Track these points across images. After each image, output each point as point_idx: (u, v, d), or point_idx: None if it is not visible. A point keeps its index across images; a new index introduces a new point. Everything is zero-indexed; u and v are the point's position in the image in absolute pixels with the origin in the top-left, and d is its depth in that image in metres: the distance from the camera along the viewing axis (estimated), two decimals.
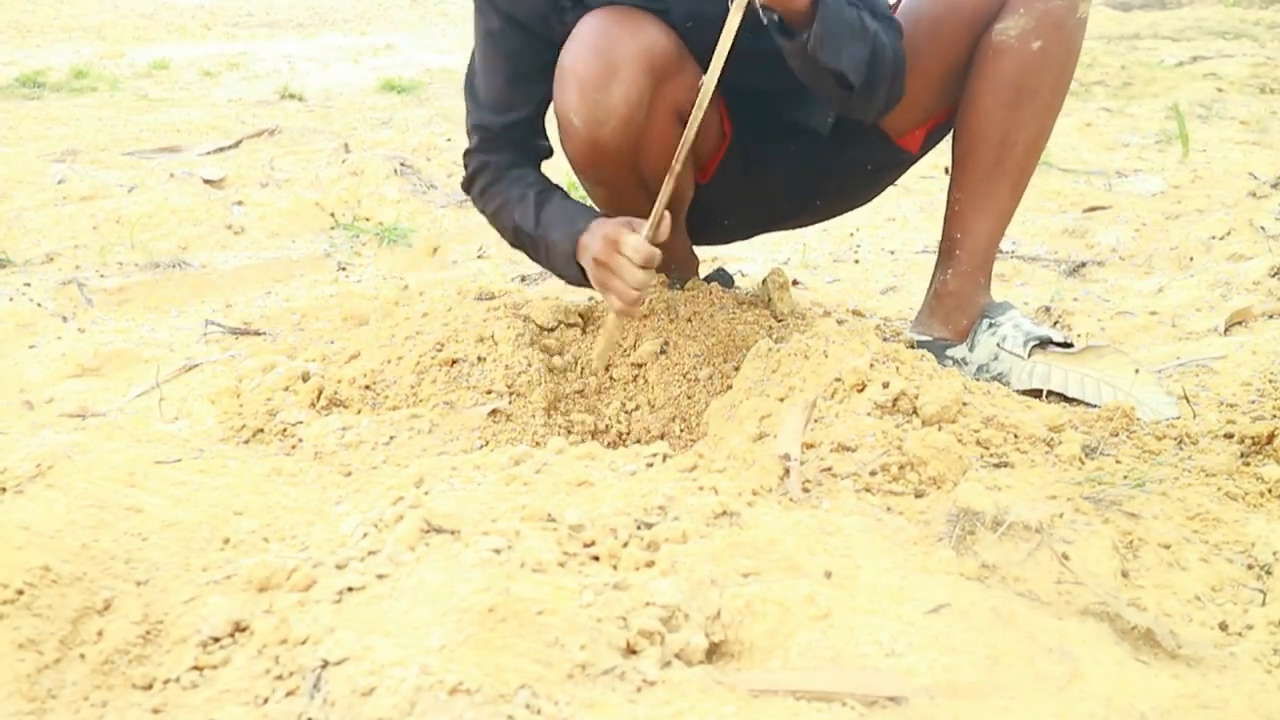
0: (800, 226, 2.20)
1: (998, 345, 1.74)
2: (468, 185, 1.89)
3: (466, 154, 1.87)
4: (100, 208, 3.15)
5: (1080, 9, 1.64)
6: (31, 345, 2.20)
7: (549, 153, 1.87)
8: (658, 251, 1.53)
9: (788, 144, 1.89)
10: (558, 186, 1.81)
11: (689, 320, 1.80)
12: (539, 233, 1.72)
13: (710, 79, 1.43)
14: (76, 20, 13.65)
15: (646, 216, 1.52)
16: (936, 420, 1.39)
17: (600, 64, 1.56)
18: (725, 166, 1.88)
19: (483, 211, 1.89)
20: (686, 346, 1.75)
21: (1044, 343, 1.71)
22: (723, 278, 2.12)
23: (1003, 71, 1.67)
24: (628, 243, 1.52)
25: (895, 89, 1.62)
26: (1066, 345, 1.71)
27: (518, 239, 1.81)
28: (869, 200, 2.08)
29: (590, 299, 2.04)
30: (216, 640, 1.03)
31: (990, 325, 1.77)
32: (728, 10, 1.39)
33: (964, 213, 1.80)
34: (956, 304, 1.84)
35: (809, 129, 1.83)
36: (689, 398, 1.70)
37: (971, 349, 1.79)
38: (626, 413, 1.71)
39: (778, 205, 2.01)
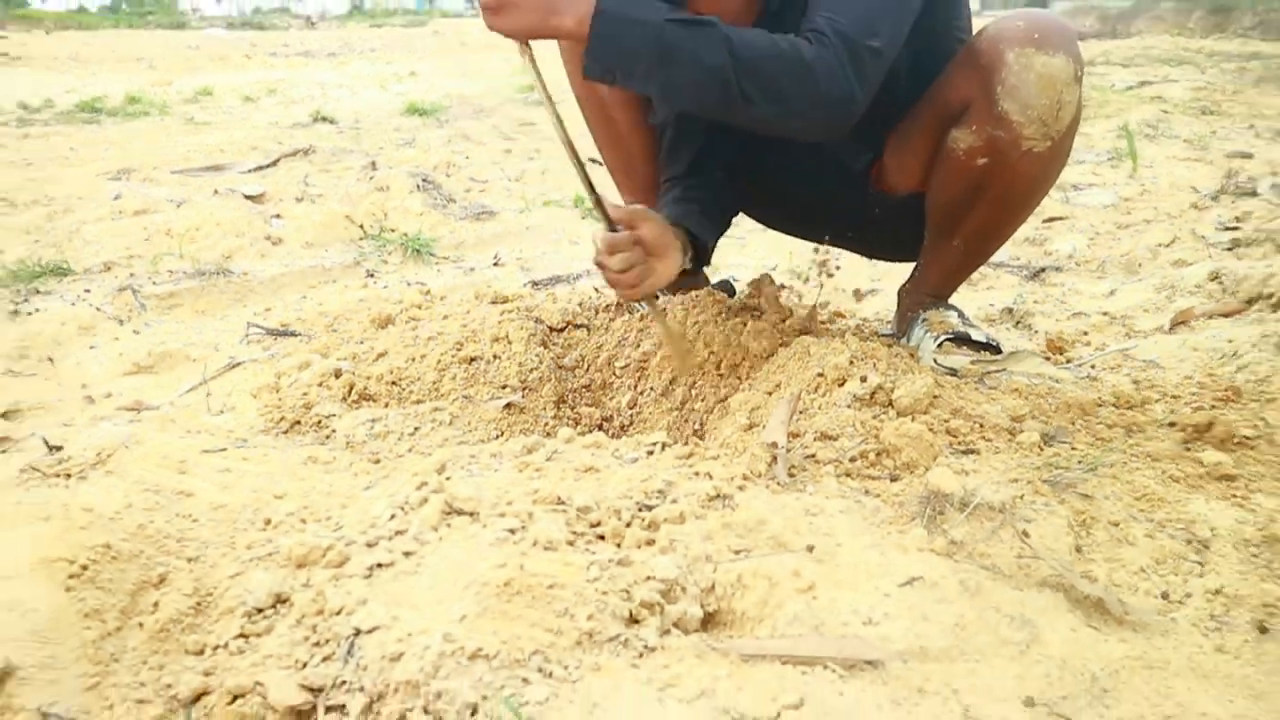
0: (835, 246, 2.04)
1: (922, 335, 1.75)
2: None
3: None
4: (152, 221, 3.16)
5: (1023, 146, 1.49)
6: (91, 346, 2.20)
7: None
8: (620, 235, 1.52)
9: (808, 161, 1.81)
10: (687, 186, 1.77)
11: (693, 324, 1.80)
12: None
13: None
14: (130, 52, 13.64)
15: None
16: (910, 411, 1.39)
17: None
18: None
19: None
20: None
21: (960, 339, 1.69)
22: (725, 288, 2.12)
23: (950, 174, 1.59)
24: (596, 240, 1.54)
25: (800, 90, 1.34)
26: (986, 345, 1.70)
27: None
28: (909, 250, 1.88)
29: (597, 295, 2.04)
30: (260, 611, 1.03)
31: (923, 320, 1.77)
32: None
33: (923, 257, 1.80)
34: (908, 309, 1.86)
35: (838, 161, 1.78)
36: (688, 392, 1.71)
37: (908, 339, 1.79)
38: (629, 407, 1.72)
39: (793, 206, 1.95)
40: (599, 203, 1.53)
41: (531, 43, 1.42)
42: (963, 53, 1.55)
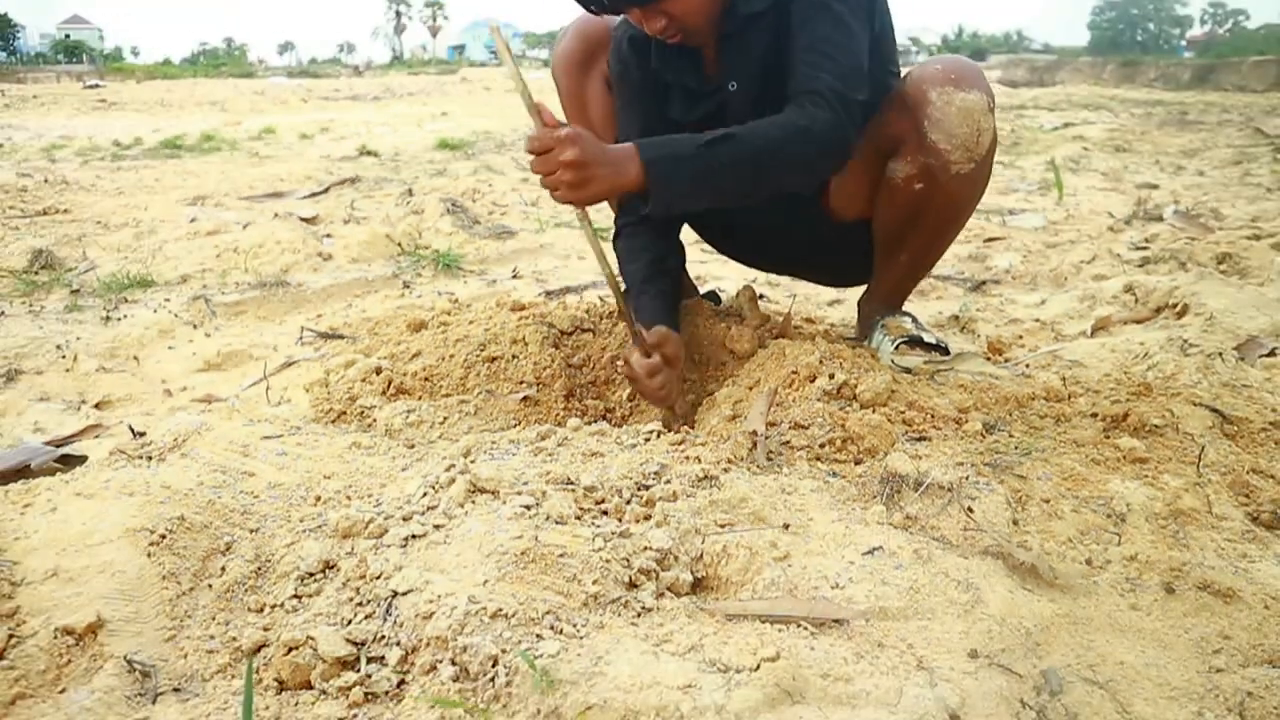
0: (784, 274, 2.05)
1: (881, 339, 1.73)
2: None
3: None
4: (222, 240, 3.15)
5: (953, 169, 1.48)
6: (170, 347, 2.19)
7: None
8: (654, 362, 1.46)
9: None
10: (662, 270, 1.67)
11: (685, 329, 1.78)
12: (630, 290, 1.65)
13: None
14: (205, 97, 13.63)
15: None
16: (871, 404, 1.38)
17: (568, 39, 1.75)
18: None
19: None
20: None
21: (914, 342, 1.68)
22: (713, 298, 2.10)
23: (892, 199, 1.58)
24: (634, 365, 1.47)
25: (784, 164, 1.39)
26: (936, 347, 1.69)
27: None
28: (854, 276, 1.88)
29: (601, 303, 2.03)
30: (311, 575, 1.03)
31: (882, 325, 1.75)
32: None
33: (875, 269, 1.77)
34: (867, 316, 1.83)
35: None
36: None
37: (869, 342, 1.77)
38: (629, 399, 1.70)
39: (748, 239, 1.92)
40: (631, 325, 1.49)
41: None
42: (893, 97, 1.54)
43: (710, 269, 2.89)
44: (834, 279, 2.02)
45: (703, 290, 2.16)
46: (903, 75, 1.56)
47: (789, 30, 1.44)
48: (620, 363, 1.59)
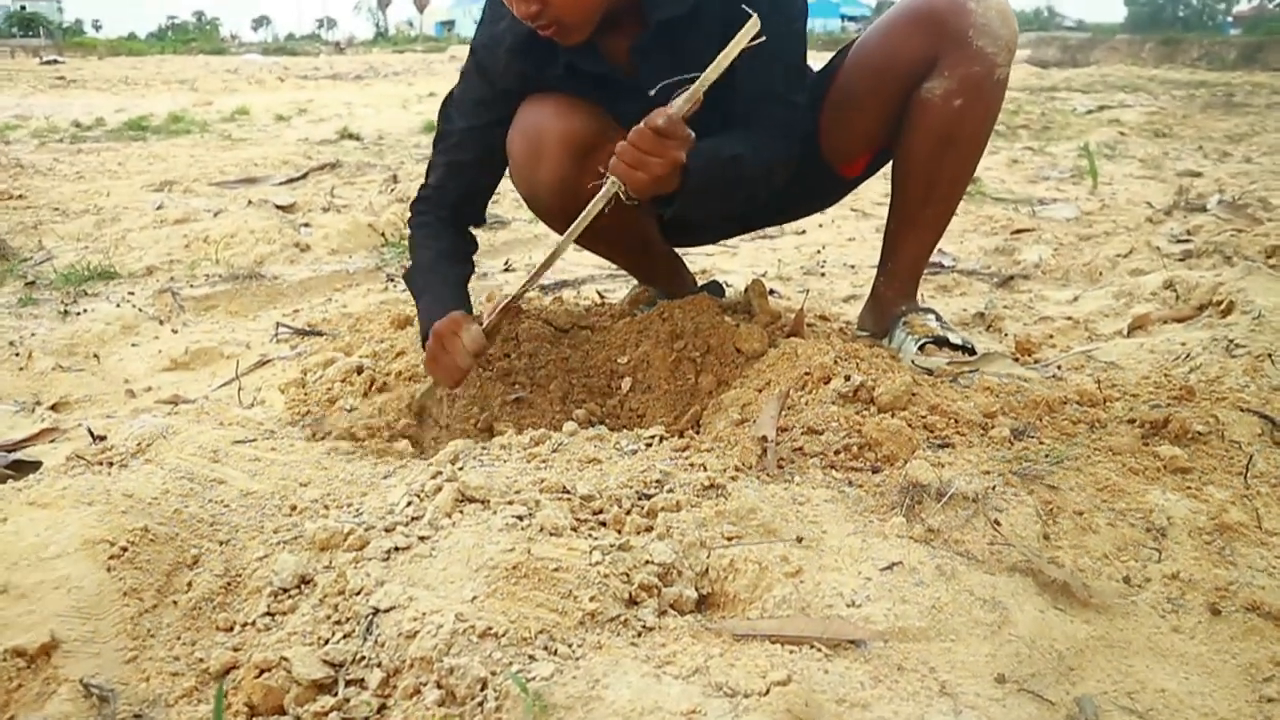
0: (762, 228, 2.15)
1: (904, 338, 1.74)
2: (410, 215, 1.80)
3: (417, 199, 1.78)
4: (191, 229, 3.15)
5: (996, 74, 1.60)
6: (134, 344, 2.19)
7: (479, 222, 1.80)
8: (487, 343, 1.54)
9: None
10: (449, 259, 1.72)
11: (686, 324, 1.78)
12: (415, 289, 1.69)
13: (565, 244, 1.50)
14: (174, 75, 13.65)
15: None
16: (890, 408, 1.38)
17: (529, 148, 1.56)
18: None
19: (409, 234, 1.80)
20: (682, 346, 1.73)
21: (940, 342, 1.69)
22: (714, 289, 2.10)
23: (929, 123, 1.64)
24: (468, 331, 1.50)
25: (774, 181, 1.59)
26: (962, 347, 1.69)
27: (408, 273, 1.74)
28: (822, 209, 2.06)
29: (600, 300, 2.03)
30: (285, 591, 1.03)
31: (904, 323, 1.76)
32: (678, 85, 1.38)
33: (897, 235, 1.80)
34: (886, 306, 1.84)
35: None
36: (684, 389, 1.69)
37: (890, 341, 1.78)
38: (629, 405, 1.70)
39: (736, 217, 1.97)
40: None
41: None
42: (909, 19, 1.62)
43: (717, 262, 2.89)
44: (799, 216, 2.12)
45: (703, 283, 2.16)
46: (911, 3, 1.65)
47: (720, 34, 1.43)
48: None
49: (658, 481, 1.17)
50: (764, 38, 1.33)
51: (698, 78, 1.35)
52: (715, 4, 1.49)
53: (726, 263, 2.86)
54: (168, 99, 9.45)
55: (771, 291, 2.02)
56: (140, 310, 2.38)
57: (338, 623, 0.95)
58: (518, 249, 3.17)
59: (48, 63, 18.04)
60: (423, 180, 1.75)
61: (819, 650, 0.90)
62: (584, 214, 1.43)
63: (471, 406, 1.64)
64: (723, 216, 1.62)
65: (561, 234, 1.54)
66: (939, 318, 1.77)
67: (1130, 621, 1.00)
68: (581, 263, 2.88)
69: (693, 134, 1.38)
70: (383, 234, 3.22)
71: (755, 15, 1.31)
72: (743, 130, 1.54)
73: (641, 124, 1.36)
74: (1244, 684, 0.92)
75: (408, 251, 1.79)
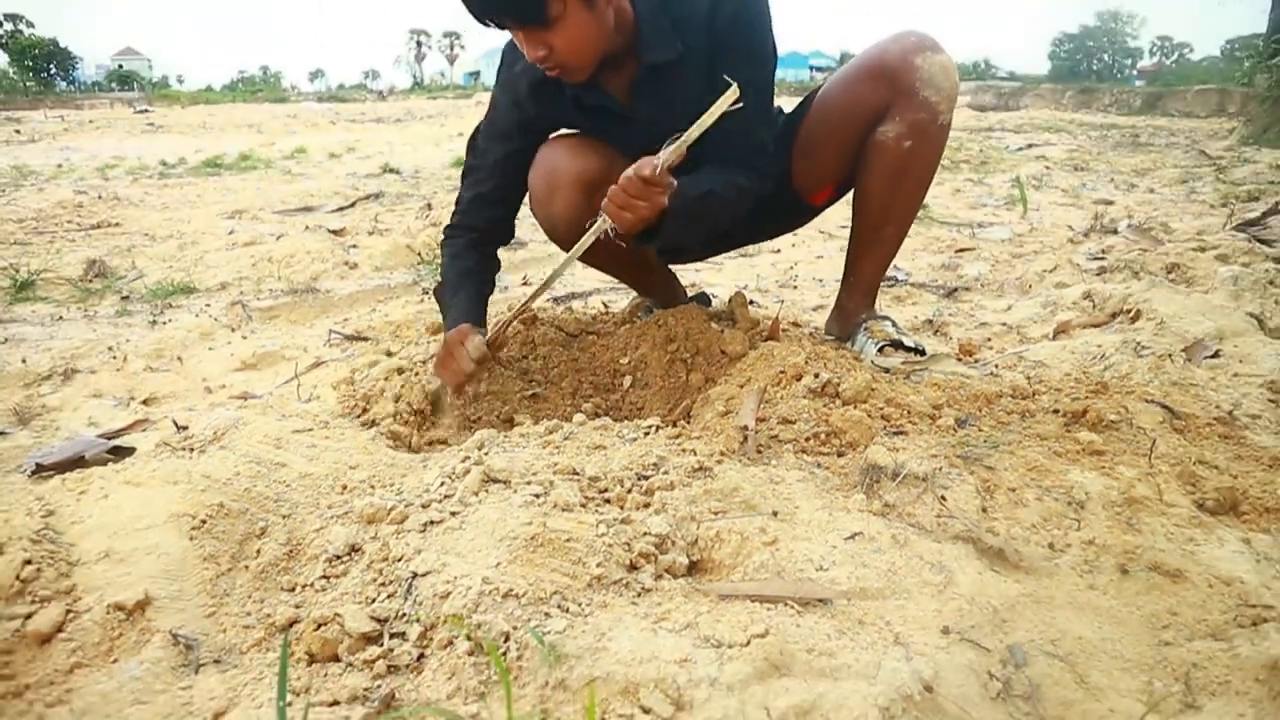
0: (743, 245, 2.10)
1: (865, 342, 1.73)
2: (442, 238, 1.78)
3: (449, 225, 1.75)
4: (257, 250, 3.14)
5: (940, 119, 1.59)
6: (210, 348, 2.19)
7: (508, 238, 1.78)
8: (490, 353, 1.54)
9: None
10: (470, 278, 1.69)
11: (678, 329, 1.78)
12: (441, 303, 1.70)
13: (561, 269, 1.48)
14: (243, 120, 13.62)
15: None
16: (853, 401, 1.38)
17: (547, 186, 1.56)
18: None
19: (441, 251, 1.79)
20: (675, 348, 1.73)
21: (895, 345, 1.69)
22: (703, 299, 2.10)
23: (883, 161, 1.63)
24: (472, 341, 1.51)
25: (739, 209, 1.56)
26: (914, 349, 1.69)
27: (436, 288, 1.75)
28: (793, 231, 2.04)
29: (605, 309, 2.03)
30: (338, 558, 1.02)
31: (865, 329, 1.76)
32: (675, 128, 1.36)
33: (857, 254, 1.79)
34: (849, 314, 1.83)
35: None
36: (677, 385, 1.69)
37: (853, 344, 1.78)
38: (630, 399, 1.70)
39: (716, 239, 1.95)
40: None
41: None
42: (866, 73, 1.60)
43: (703, 277, 2.89)
44: (774, 236, 2.08)
45: (693, 294, 2.15)
46: (867, 54, 1.63)
47: (706, 73, 1.44)
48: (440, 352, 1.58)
49: (654, 465, 1.17)
50: (741, 104, 1.31)
51: (682, 135, 1.34)
52: (702, 50, 1.48)
53: (713, 277, 2.86)
54: (238, 140, 9.43)
55: (751, 302, 2.02)
56: (215, 320, 2.37)
57: (382, 585, 0.94)
58: (534, 265, 3.17)
59: (140, 112, 18.01)
60: (453, 208, 1.75)
61: (792, 608, 0.90)
62: (577, 246, 1.43)
63: (494, 401, 1.63)
64: (699, 241, 1.59)
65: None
66: (895, 324, 1.77)
67: (1054, 580, 1.00)
68: (588, 277, 2.88)
69: (675, 181, 1.36)
70: (419, 254, 3.22)
71: (735, 84, 1.30)
72: (715, 165, 1.52)
73: (630, 171, 1.34)
74: (1147, 631, 0.93)
75: (439, 270, 1.78)
